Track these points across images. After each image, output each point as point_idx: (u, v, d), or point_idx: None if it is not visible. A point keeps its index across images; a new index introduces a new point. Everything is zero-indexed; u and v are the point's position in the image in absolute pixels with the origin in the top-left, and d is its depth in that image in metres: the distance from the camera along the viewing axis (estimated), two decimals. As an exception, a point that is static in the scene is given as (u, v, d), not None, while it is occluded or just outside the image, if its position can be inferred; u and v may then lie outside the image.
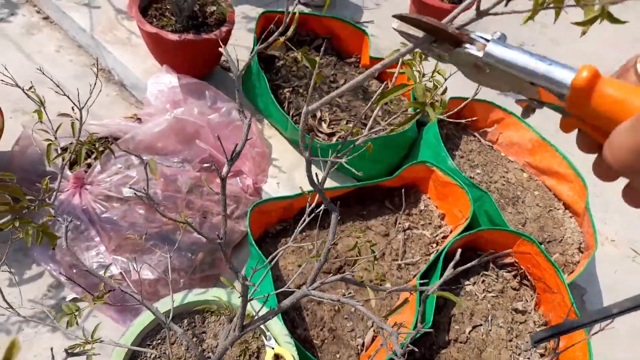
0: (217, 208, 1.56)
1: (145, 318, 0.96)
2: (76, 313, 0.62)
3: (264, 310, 1.02)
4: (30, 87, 0.82)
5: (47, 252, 1.40)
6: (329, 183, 1.71)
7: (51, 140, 0.78)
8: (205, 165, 1.62)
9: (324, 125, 1.74)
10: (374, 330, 1.32)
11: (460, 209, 1.53)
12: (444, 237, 1.57)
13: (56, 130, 0.83)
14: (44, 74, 0.88)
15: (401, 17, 0.42)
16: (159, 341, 0.98)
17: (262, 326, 1.01)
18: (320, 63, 1.93)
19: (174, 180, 1.51)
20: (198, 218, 1.51)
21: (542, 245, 1.45)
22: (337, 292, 1.38)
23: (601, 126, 0.34)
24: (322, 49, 0.56)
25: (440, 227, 1.60)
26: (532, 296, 1.48)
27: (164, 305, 0.99)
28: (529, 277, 1.49)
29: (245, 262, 1.54)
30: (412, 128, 1.73)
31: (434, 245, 1.55)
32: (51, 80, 0.93)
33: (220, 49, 0.61)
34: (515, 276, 1.50)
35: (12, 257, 1.41)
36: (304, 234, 1.50)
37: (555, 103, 0.37)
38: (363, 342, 1.30)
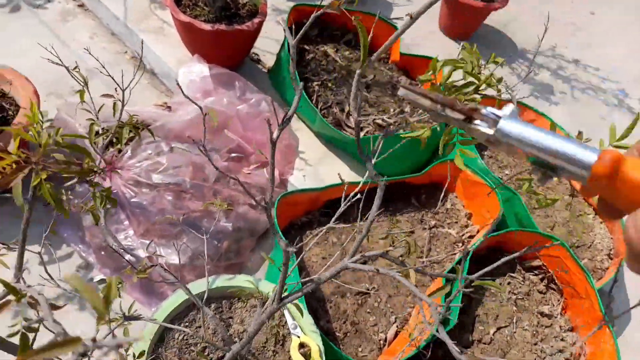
0: (243, 198, 1.56)
1: (174, 300, 0.97)
2: (119, 286, 0.63)
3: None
4: (75, 67, 0.83)
5: (77, 233, 1.43)
6: (354, 177, 1.71)
7: (94, 120, 0.80)
8: (233, 155, 1.63)
9: (352, 120, 1.73)
10: (397, 326, 1.31)
11: (489, 209, 1.51)
12: (471, 237, 1.55)
13: (98, 111, 0.84)
14: (90, 53, 0.90)
15: (408, 89, 0.40)
16: (187, 323, 0.99)
17: (288, 315, 1.01)
18: (350, 57, 1.92)
19: (202, 169, 1.52)
20: (224, 208, 1.51)
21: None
22: (361, 285, 1.37)
23: (625, 203, 0.33)
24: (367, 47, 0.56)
25: (466, 226, 1.58)
26: (558, 300, 1.45)
27: (193, 288, 1.00)
28: (556, 281, 1.46)
29: (269, 252, 1.55)
30: (441, 125, 1.72)
31: (460, 244, 1.53)
32: (97, 60, 0.94)
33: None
34: (542, 279, 1.48)
35: (41, 238, 1.43)
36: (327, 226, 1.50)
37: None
38: (385, 338, 1.29)
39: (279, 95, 1.87)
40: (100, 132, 0.98)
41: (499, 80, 0.53)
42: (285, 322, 1.03)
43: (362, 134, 1.70)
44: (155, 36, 1.90)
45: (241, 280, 1.03)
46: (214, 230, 1.45)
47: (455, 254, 1.51)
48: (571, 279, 1.40)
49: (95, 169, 0.42)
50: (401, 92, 0.40)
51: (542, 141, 0.34)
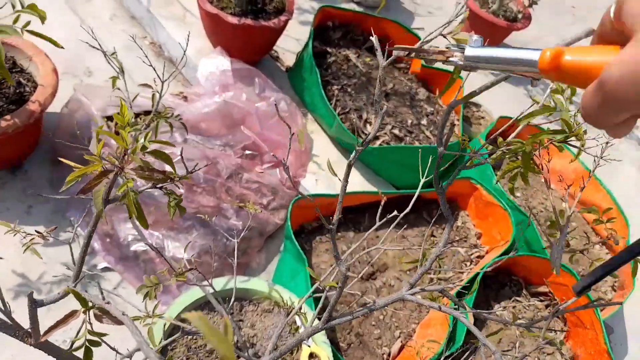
0: (254, 197, 1.54)
1: (188, 297, 0.95)
2: (155, 287, 0.61)
3: (305, 307, 1.01)
4: (113, 54, 0.81)
5: (85, 218, 1.40)
6: (367, 186, 1.69)
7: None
8: (247, 152, 1.61)
9: (369, 128, 1.72)
10: (401, 341, 1.30)
11: (500, 230, 1.50)
12: (479, 257, 1.54)
13: (133, 100, 0.82)
14: (134, 41, 0.87)
15: (396, 48, 0.51)
16: (197, 324, 0.97)
17: (300, 324, 1.00)
18: (371, 65, 1.91)
19: (215, 163, 1.50)
20: (235, 205, 1.50)
21: (580, 279, 1.42)
22: (368, 296, 1.36)
23: (578, 85, 0.38)
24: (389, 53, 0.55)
25: (475, 246, 1.57)
26: (562, 329, 1.45)
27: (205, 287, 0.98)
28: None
29: (276, 253, 1.53)
30: (457, 142, 1.71)
31: (468, 263, 1.53)
32: (141, 42, 0.91)
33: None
34: (547, 306, 1.47)
35: (49, 218, 1.41)
36: (339, 234, 1.48)
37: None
38: (389, 352, 1.28)
39: (297, 95, 1.85)
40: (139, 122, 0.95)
41: (585, 132, 0.53)
42: (297, 328, 1.02)
43: (378, 142, 1.69)
44: (177, 24, 1.87)
45: (256, 283, 1.01)
46: (224, 228, 1.43)
47: (462, 272, 1.51)
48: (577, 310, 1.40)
49: (173, 177, 0.40)
50: (395, 51, 0.51)
51: (499, 54, 0.41)
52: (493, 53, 0.42)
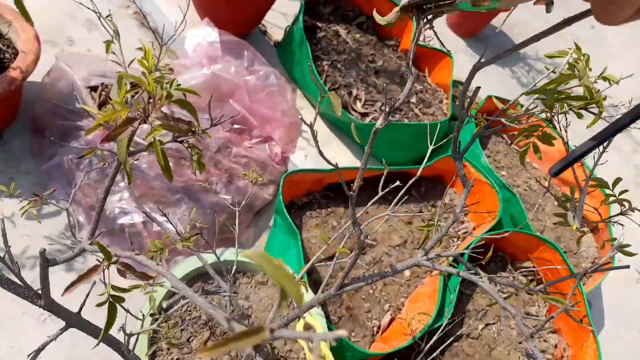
0: (243, 171, 1.53)
1: (184, 268, 0.94)
2: (161, 252, 0.60)
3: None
4: (108, 16, 0.77)
5: (67, 190, 1.36)
6: (355, 162, 1.69)
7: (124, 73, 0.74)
8: (236, 126, 1.58)
9: (359, 105, 1.71)
10: (390, 314, 1.32)
11: (487, 207, 1.52)
12: (465, 233, 1.56)
13: (129, 65, 0.78)
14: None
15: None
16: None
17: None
18: (360, 41, 1.89)
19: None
20: (224, 179, 1.48)
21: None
22: (358, 271, 1.37)
23: None
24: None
25: (462, 222, 1.59)
26: (545, 303, 1.49)
27: (198, 260, 0.97)
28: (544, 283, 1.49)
29: (264, 229, 1.52)
30: (446, 120, 1.71)
31: (455, 239, 1.55)
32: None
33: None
34: (531, 281, 1.51)
35: (30, 190, 1.36)
36: (329, 209, 1.48)
37: None
38: (379, 325, 1.29)
39: (285, 70, 1.82)
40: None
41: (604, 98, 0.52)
42: (291, 302, 1.02)
43: (367, 119, 1.68)
44: (162, -7, 1.81)
45: (245, 256, 1.00)
46: (210, 202, 1.41)
47: (448, 247, 1.53)
48: (560, 283, 1.43)
49: (195, 129, 0.38)
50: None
51: None
52: None
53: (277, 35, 1.97)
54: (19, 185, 1.35)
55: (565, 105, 0.51)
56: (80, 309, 0.54)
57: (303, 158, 1.63)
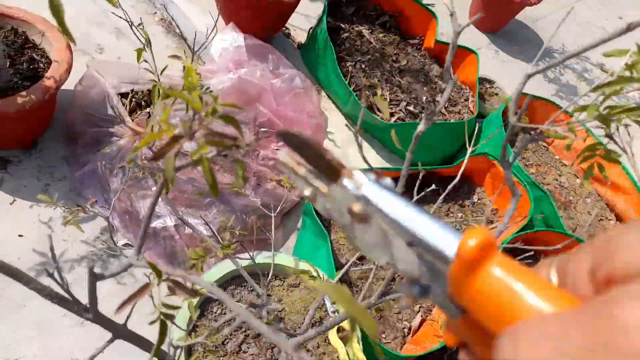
0: (271, 174, 1.54)
1: (217, 271, 0.95)
2: (202, 259, 0.61)
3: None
4: (140, 24, 0.79)
5: (102, 195, 1.40)
6: (382, 163, 1.69)
7: (155, 82, 0.76)
8: (263, 130, 1.60)
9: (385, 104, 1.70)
10: (421, 315, 1.31)
11: (518, 206, 1.50)
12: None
13: (161, 73, 0.80)
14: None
15: (285, 133, 0.28)
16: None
17: (328, 299, 1.00)
18: (384, 40, 1.88)
19: (232, 140, 1.49)
20: (253, 182, 1.49)
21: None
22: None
23: (484, 324, 0.22)
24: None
25: (492, 222, 1.57)
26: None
27: (232, 264, 0.98)
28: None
29: (293, 230, 1.53)
30: (473, 118, 1.70)
31: (484, 239, 1.53)
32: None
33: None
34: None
35: (66, 197, 1.40)
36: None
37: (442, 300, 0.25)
38: (410, 326, 1.29)
39: (309, 72, 1.83)
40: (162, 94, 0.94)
41: None
42: (324, 304, 1.02)
43: (392, 119, 1.68)
44: (187, -1, 1.83)
45: (282, 259, 1.01)
46: (241, 204, 1.43)
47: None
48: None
49: (239, 144, 0.39)
50: (281, 154, 0.29)
51: (407, 216, 0.25)
52: (399, 209, 0.25)
53: (300, 37, 1.97)
54: (55, 192, 1.39)
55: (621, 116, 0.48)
56: (126, 321, 0.56)
57: (329, 159, 1.63)
